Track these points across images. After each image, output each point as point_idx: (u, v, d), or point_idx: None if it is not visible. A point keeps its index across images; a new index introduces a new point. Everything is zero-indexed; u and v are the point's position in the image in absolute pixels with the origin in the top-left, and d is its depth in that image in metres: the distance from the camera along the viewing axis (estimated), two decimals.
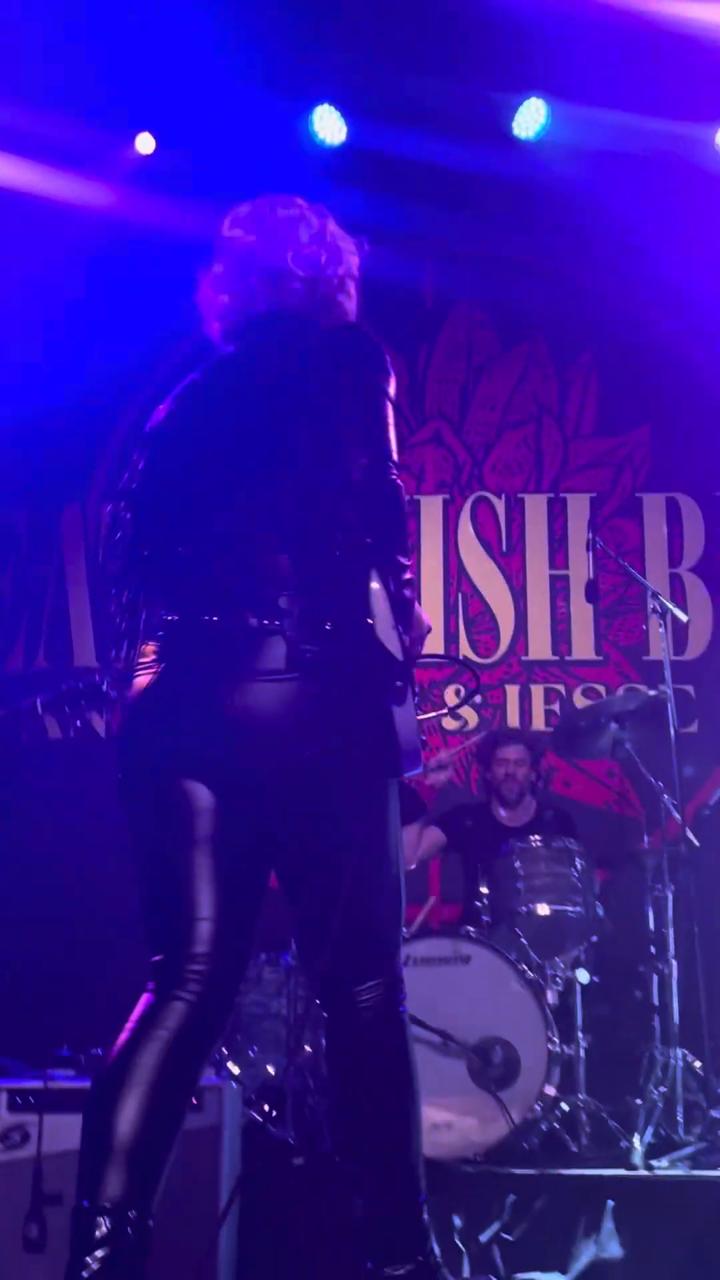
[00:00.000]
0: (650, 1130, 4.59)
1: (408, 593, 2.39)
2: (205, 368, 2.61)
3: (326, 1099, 4.52)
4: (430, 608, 6.66)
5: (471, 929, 4.69)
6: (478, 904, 5.00)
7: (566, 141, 6.34)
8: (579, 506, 6.75)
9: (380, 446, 2.39)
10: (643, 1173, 4.27)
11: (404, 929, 4.67)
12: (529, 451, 6.87)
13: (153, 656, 2.42)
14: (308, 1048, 4.71)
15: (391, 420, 2.44)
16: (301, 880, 2.44)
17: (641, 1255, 3.98)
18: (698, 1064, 4.82)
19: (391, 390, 2.47)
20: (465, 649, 6.62)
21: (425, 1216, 2.47)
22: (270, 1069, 4.77)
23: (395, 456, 2.42)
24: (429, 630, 2.58)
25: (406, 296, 6.91)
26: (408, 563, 2.41)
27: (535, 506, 6.80)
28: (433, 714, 4.44)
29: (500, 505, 6.80)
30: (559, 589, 6.68)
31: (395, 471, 2.41)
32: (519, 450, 6.87)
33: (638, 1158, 4.37)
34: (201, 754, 2.35)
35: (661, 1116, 4.67)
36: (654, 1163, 4.40)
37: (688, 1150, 4.48)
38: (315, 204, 2.75)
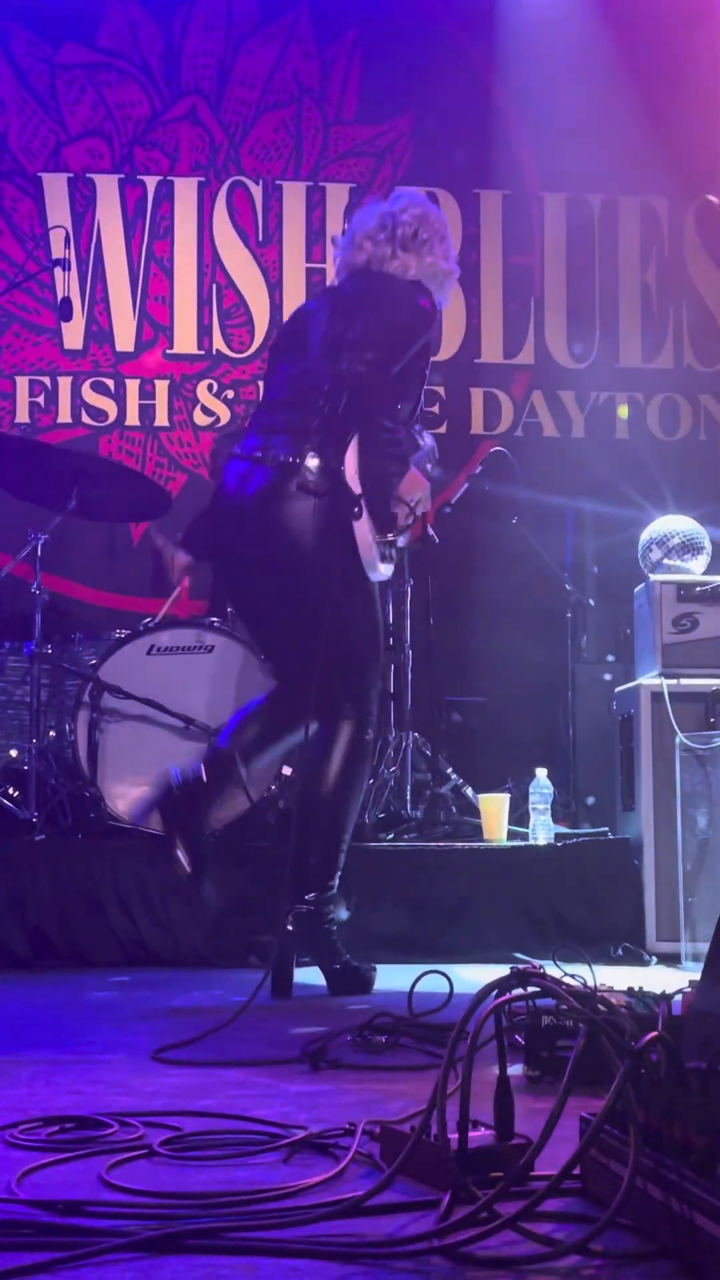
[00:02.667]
0: (380, 806, 4.89)
1: (390, 451, 3.61)
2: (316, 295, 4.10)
3: (70, 781, 4.63)
4: (183, 298, 6.49)
5: (216, 620, 4.78)
6: (224, 598, 5.07)
7: None
8: (337, 197, 6.59)
9: (386, 354, 3.56)
10: (371, 844, 4.56)
11: (152, 619, 4.73)
12: (288, 136, 6.62)
13: None
14: (52, 733, 4.79)
15: (406, 345, 3.62)
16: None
17: (368, 916, 4.29)
18: (427, 746, 5.11)
19: (421, 328, 3.68)
20: (219, 343, 6.50)
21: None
22: (13, 753, 4.84)
23: (397, 367, 3.59)
24: (419, 489, 3.68)
25: None
26: (390, 431, 3.62)
27: (294, 194, 6.60)
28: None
29: (258, 191, 6.58)
30: (315, 283, 6.57)
31: (394, 373, 3.58)
32: (278, 133, 6.61)
33: (368, 828, 4.66)
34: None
35: (392, 794, 4.97)
36: (382, 834, 4.70)
37: (413, 824, 4.79)
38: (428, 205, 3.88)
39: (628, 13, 6.57)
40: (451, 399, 6.53)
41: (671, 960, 4.26)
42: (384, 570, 3.68)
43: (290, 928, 3.51)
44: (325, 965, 3.60)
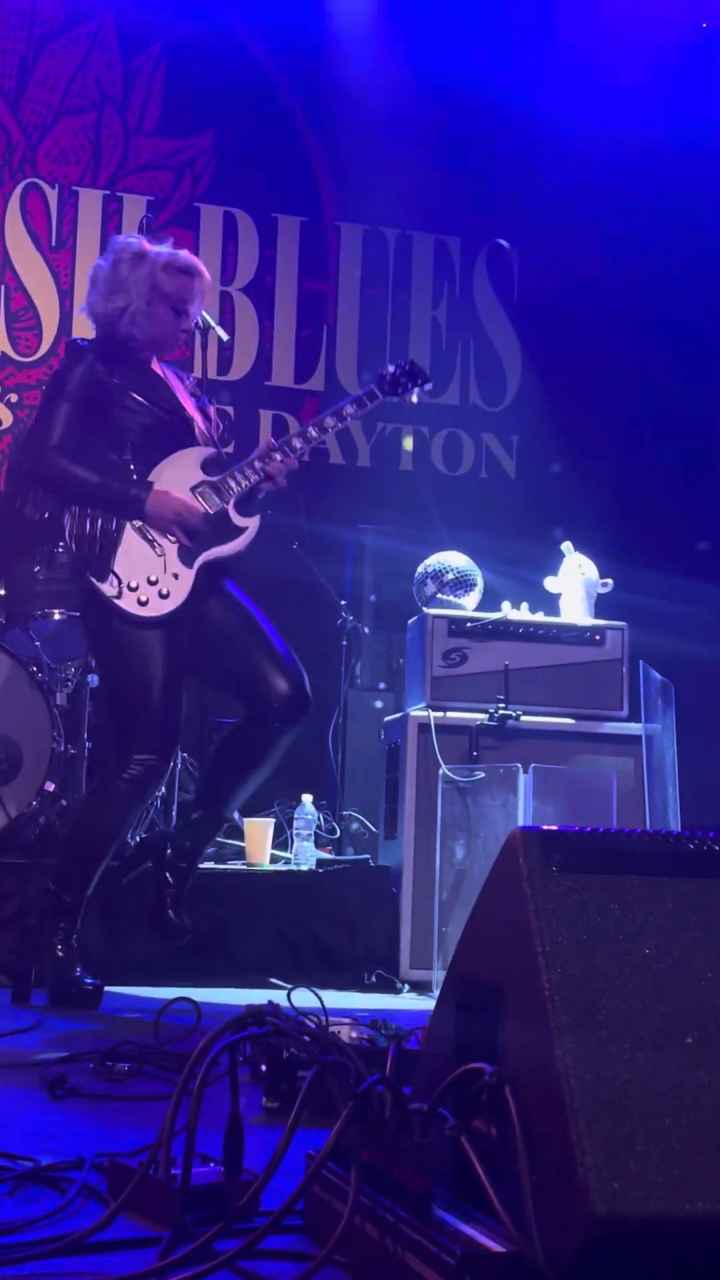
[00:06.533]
0: (144, 826, 4.84)
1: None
2: None
3: None
4: None
5: None
6: None
7: None
8: (135, 208, 6.54)
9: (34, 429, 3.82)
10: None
11: None
12: (87, 142, 6.54)
13: None
14: None
15: (47, 407, 3.78)
16: None
17: (124, 938, 4.24)
18: (195, 767, 5.08)
19: (59, 385, 3.79)
20: (5, 345, 6.37)
21: None
22: None
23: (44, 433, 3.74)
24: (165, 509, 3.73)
25: None
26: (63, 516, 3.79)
27: (90, 202, 6.52)
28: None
29: (53, 196, 6.48)
30: None
31: (40, 448, 3.74)
32: (77, 139, 6.53)
33: (129, 849, 4.60)
34: None
35: (157, 814, 4.92)
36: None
37: None
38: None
39: (428, 55, 6.69)
40: (240, 420, 6.54)
41: (423, 988, 4.33)
42: (148, 610, 3.70)
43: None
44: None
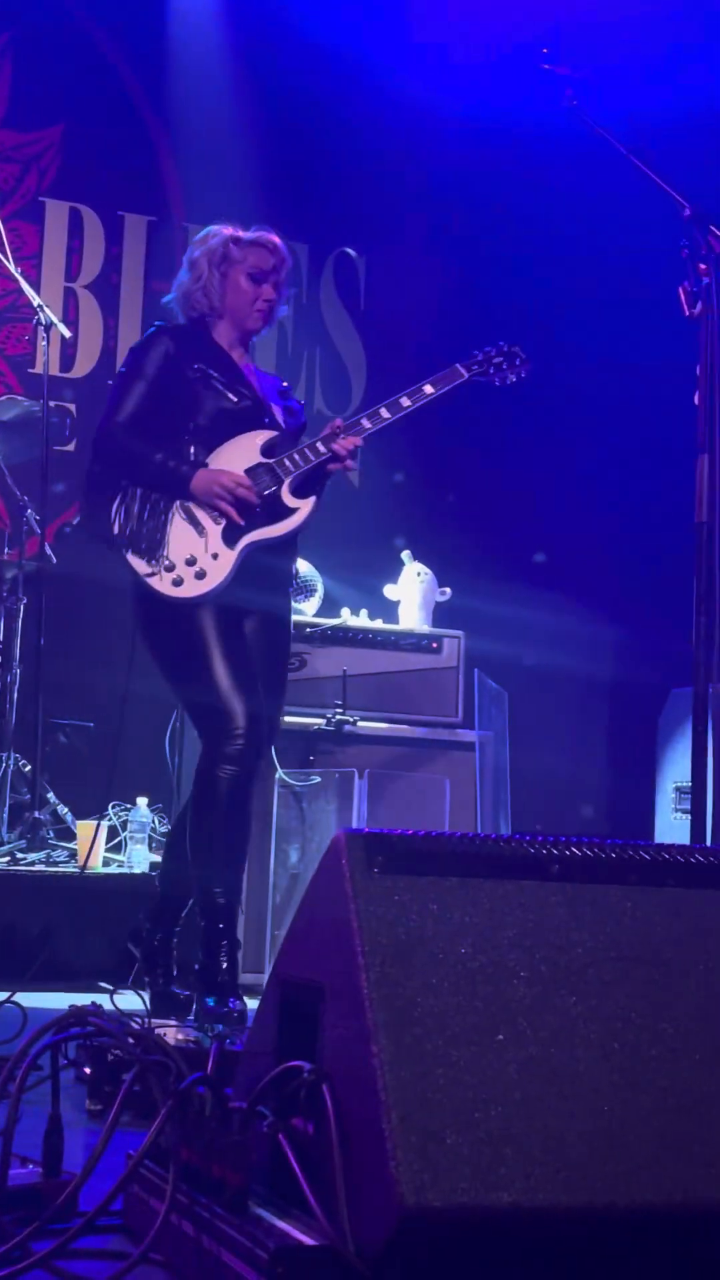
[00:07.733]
0: None
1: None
2: None
3: None
4: None
5: None
6: None
7: None
8: None
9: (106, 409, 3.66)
10: None
11: None
12: None
13: None
14: None
15: (121, 384, 3.66)
16: None
17: None
18: (28, 767, 5.02)
19: (133, 365, 3.67)
20: None
21: None
22: None
23: (114, 410, 3.63)
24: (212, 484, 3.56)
25: None
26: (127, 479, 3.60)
27: None
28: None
29: None
30: None
31: (107, 423, 3.62)
32: None
33: None
34: None
35: None
36: None
37: (6, 848, 4.70)
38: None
39: (276, 59, 6.72)
40: (84, 419, 6.47)
41: (255, 992, 4.33)
42: (182, 590, 3.53)
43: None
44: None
